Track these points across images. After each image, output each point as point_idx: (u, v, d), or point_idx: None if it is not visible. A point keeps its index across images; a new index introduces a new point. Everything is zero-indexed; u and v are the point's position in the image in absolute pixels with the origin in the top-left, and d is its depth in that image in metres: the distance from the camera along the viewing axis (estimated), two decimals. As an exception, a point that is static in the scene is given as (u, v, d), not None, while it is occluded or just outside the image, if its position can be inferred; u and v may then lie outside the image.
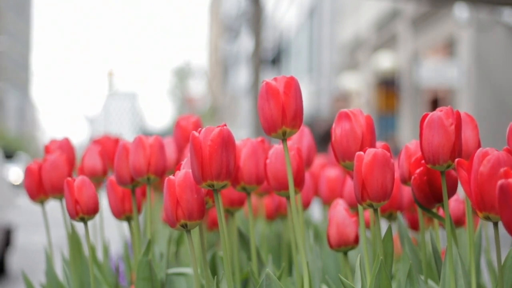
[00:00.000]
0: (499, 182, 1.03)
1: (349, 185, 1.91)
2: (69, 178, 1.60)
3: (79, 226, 1.68)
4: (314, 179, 2.24)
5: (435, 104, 14.71)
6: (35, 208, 7.70)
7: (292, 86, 1.40)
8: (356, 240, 1.61)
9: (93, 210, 1.60)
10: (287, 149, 1.44)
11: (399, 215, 1.86)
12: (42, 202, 1.92)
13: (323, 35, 23.68)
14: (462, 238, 1.94)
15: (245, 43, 34.42)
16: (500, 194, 1.04)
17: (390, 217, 1.83)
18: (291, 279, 1.87)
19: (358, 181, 1.32)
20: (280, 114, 1.39)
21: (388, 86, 17.45)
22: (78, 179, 1.59)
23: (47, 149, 2.00)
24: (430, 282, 1.56)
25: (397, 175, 1.62)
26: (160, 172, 1.67)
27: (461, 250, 1.86)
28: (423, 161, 1.46)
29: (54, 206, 2.80)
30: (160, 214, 2.60)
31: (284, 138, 1.42)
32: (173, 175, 1.38)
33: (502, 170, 1.08)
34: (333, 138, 1.46)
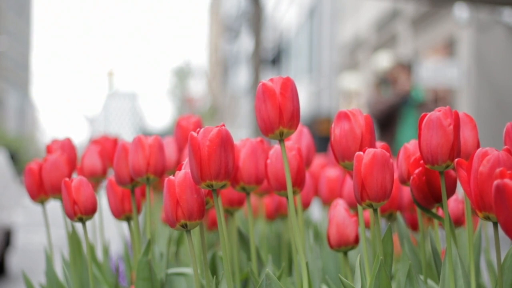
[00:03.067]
0: (495, 182, 1.03)
1: (349, 185, 1.91)
2: (66, 179, 1.60)
3: (79, 226, 1.68)
4: (314, 179, 2.24)
5: (435, 104, 14.69)
6: (35, 208, 7.71)
7: (288, 86, 1.40)
8: (356, 240, 1.61)
9: (91, 210, 1.60)
10: (285, 149, 1.45)
11: (399, 215, 1.87)
12: (42, 202, 1.92)
13: (323, 35, 23.66)
14: (461, 238, 1.94)
15: (245, 43, 34.42)
16: (496, 194, 1.04)
17: (390, 217, 1.83)
18: (291, 279, 1.87)
19: (357, 181, 1.33)
20: (277, 114, 1.39)
21: (388, 86, 17.43)
22: (76, 180, 1.59)
23: (49, 149, 2.01)
24: (430, 282, 1.56)
25: (396, 175, 1.63)
26: (159, 172, 1.67)
27: (460, 250, 1.86)
28: (422, 161, 1.46)
29: (54, 206, 2.81)
30: (160, 214, 2.60)
31: (281, 138, 1.42)
32: (173, 175, 1.38)
33: (497, 170, 1.09)
34: (332, 138, 1.46)
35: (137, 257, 1.73)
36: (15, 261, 7.85)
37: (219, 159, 1.33)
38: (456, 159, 1.26)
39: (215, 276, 1.43)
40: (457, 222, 1.77)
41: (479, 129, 1.52)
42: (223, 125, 1.37)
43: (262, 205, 2.24)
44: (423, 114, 1.38)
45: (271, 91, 1.39)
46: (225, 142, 1.34)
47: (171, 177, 1.38)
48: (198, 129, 1.36)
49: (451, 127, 1.34)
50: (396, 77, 6.27)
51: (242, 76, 39.00)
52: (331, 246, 1.62)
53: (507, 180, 1.03)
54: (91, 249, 2.07)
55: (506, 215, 1.03)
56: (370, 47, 18.86)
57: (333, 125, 1.46)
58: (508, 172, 1.09)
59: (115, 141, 2.24)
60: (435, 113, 1.35)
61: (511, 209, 1.02)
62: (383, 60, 16.75)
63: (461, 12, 12.57)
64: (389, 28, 17.31)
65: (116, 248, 3.72)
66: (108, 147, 2.18)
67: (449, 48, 14.08)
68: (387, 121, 6.13)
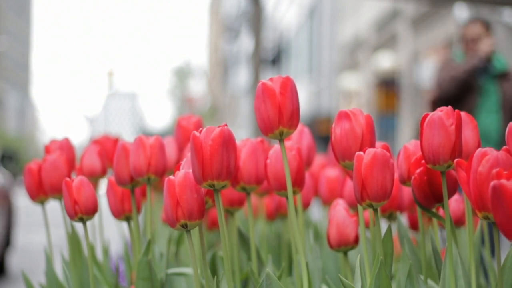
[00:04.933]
0: (491, 183, 1.03)
1: (349, 185, 1.91)
2: (67, 179, 1.59)
3: (79, 226, 1.68)
4: (314, 179, 2.24)
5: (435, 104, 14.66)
6: (35, 208, 7.70)
7: (288, 86, 1.40)
8: (356, 240, 1.61)
9: (92, 210, 1.60)
10: (285, 149, 1.44)
11: (399, 215, 1.86)
12: (42, 202, 1.92)
13: (323, 35, 23.66)
14: (462, 238, 1.94)
15: (245, 43, 34.41)
16: (493, 195, 1.03)
17: (390, 217, 1.83)
18: (291, 279, 1.87)
19: (357, 181, 1.32)
20: (277, 114, 1.39)
21: (388, 86, 17.44)
22: (77, 180, 1.59)
23: (47, 149, 2.01)
24: (430, 282, 1.56)
25: (396, 175, 1.62)
26: (160, 172, 1.67)
27: (461, 250, 1.86)
28: (423, 161, 1.46)
29: (54, 206, 2.81)
30: (160, 214, 2.60)
31: (281, 138, 1.42)
32: (173, 175, 1.38)
33: (494, 171, 1.08)
34: (332, 138, 1.46)
35: (137, 257, 1.73)
36: (15, 261, 7.84)
37: (221, 159, 1.33)
38: (456, 159, 1.26)
39: (215, 276, 1.43)
40: (458, 222, 1.77)
41: (479, 129, 1.51)
42: (226, 125, 1.37)
43: (262, 205, 2.24)
44: (424, 114, 1.37)
45: (271, 90, 1.39)
46: (227, 142, 1.34)
47: (171, 177, 1.38)
48: (201, 128, 1.36)
49: (453, 127, 1.34)
50: (475, 37, 4.48)
51: (242, 76, 38.99)
52: (331, 246, 1.62)
53: (503, 181, 1.03)
54: (91, 249, 2.07)
55: (503, 215, 1.03)
56: (370, 47, 18.86)
57: (333, 125, 1.46)
58: (505, 172, 1.09)
59: (115, 141, 2.24)
60: (437, 113, 1.35)
61: (508, 209, 1.02)
62: (384, 60, 16.76)
63: (461, 12, 12.57)
64: (389, 28, 17.31)
65: (116, 248, 3.72)
66: (108, 147, 2.18)
67: (449, 48, 14.07)
68: (459, 95, 4.38)
